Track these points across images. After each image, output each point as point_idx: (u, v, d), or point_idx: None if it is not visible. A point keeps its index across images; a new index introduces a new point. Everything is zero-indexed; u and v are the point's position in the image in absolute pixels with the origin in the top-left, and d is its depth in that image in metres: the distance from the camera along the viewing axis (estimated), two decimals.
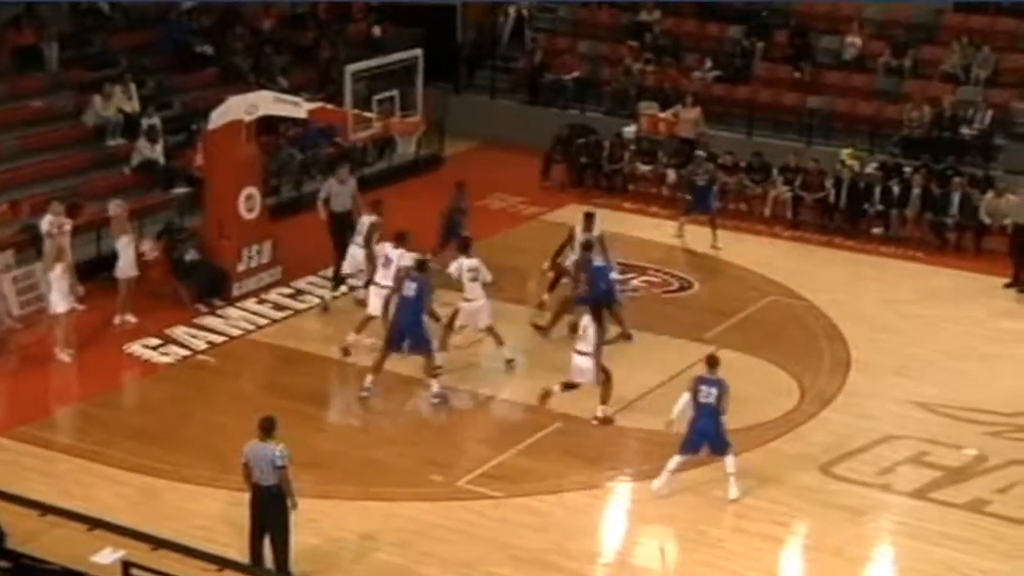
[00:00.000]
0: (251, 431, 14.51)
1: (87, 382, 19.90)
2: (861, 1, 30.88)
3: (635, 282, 23.27)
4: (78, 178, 24.70)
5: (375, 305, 20.04)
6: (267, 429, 14.37)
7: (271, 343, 21.22)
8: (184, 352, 20.64)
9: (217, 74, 28.65)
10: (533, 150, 28.86)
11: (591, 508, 16.99)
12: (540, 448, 18.00)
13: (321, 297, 22.38)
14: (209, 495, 16.49)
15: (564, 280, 21.69)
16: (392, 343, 19.09)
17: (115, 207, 21.55)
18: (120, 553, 13.88)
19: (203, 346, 20.86)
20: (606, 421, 18.64)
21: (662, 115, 29.24)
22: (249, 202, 22.64)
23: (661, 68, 30.69)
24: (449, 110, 30.35)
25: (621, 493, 17.40)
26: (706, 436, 16.67)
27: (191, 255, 22.28)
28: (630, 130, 29.17)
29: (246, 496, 14.59)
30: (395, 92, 22.35)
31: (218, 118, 22.33)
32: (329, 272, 22.68)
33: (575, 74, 31.25)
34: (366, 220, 21.33)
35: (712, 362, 16.92)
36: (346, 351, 20.37)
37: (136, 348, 20.67)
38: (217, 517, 15.89)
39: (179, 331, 21.15)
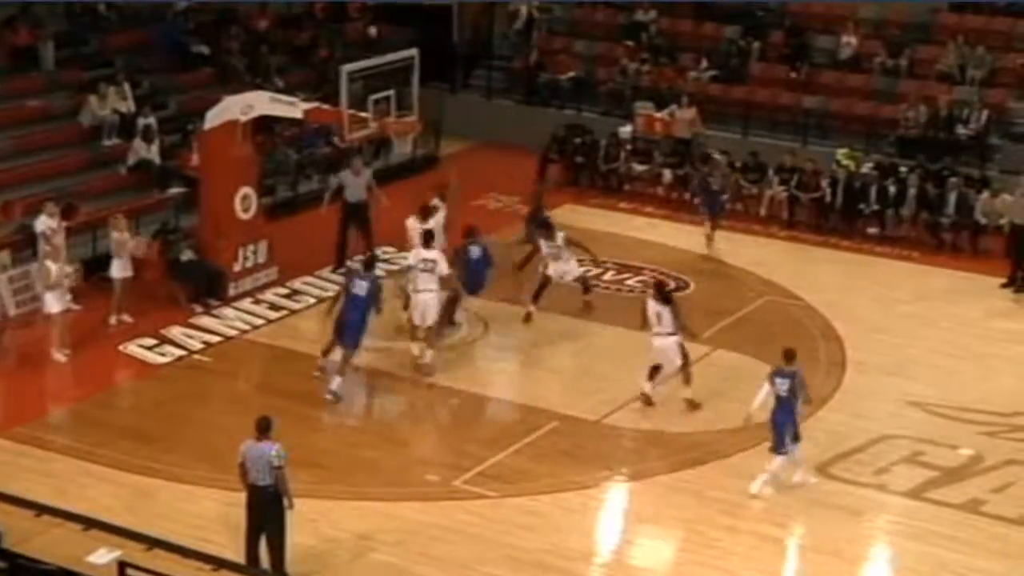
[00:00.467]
0: (247, 431, 14.51)
1: (83, 382, 19.89)
2: (857, 1, 30.86)
3: (631, 282, 23.32)
4: (74, 178, 24.67)
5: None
6: (263, 429, 14.38)
7: (267, 343, 21.20)
8: (180, 352, 20.62)
9: (213, 74, 28.61)
10: (529, 150, 28.85)
11: (587, 508, 16.97)
12: (536, 448, 17.99)
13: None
14: (205, 495, 16.47)
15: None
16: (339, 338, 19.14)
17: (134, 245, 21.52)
18: (116, 553, 13.91)
19: (199, 346, 20.83)
20: (694, 406, 18.76)
21: (658, 115, 29.20)
22: (245, 202, 22.63)
23: (657, 68, 30.65)
24: (445, 110, 30.31)
25: (617, 493, 17.40)
26: (781, 427, 16.69)
27: (187, 255, 22.26)
28: (626, 130, 29.13)
29: (242, 496, 14.59)
30: (391, 92, 22.30)
31: (214, 118, 22.33)
32: (327, 272, 22.92)
33: (571, 74, 31.22)
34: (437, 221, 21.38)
35: (789, 355, 16.92)
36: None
37: (132, 348, 20.65)
38: (213, 517, 15.88)
39: (175, 331, 21.12)
